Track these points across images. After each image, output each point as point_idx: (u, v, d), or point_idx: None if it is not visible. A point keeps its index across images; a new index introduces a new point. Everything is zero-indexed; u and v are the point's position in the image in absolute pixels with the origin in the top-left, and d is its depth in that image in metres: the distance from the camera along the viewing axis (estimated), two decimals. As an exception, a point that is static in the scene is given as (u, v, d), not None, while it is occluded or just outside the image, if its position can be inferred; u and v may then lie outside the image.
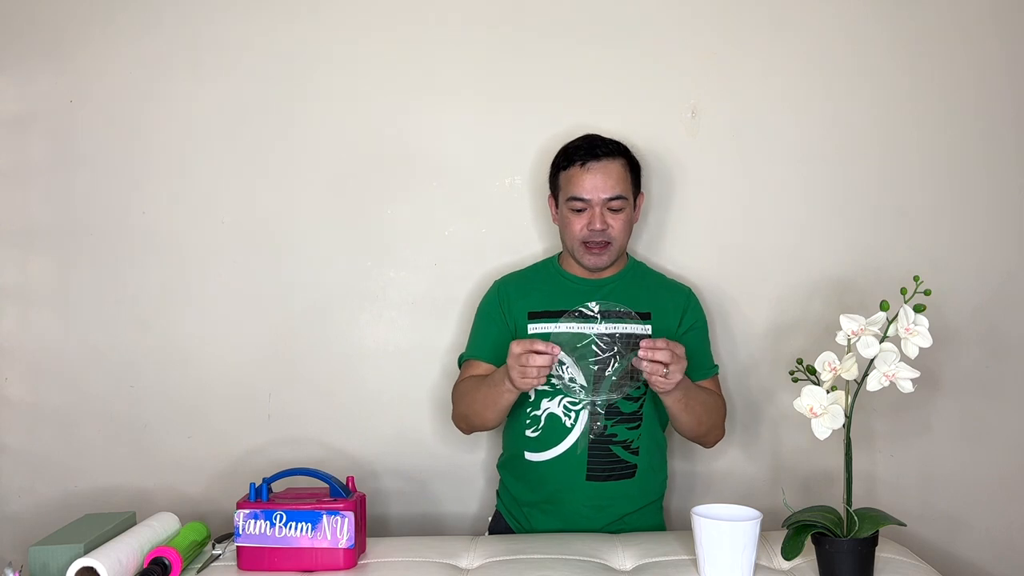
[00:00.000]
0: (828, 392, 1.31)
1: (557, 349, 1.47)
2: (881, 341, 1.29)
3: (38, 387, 1.98)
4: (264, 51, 1.95)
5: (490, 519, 1.83)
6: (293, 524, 1.40)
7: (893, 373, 1.28)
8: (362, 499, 1.47)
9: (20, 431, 1.98)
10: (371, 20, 1.95)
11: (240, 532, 1.41)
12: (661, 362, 1.46)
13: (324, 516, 1.40)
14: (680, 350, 1.49)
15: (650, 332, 1.68)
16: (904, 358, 1.29)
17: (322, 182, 1.96)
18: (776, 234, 1.94)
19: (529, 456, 1.69)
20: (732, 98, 1.94)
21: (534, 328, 1.70)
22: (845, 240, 1.94)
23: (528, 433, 1.68)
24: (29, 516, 1.97)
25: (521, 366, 1.47)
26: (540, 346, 1.46)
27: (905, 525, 1.32)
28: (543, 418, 1.67)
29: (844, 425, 1.31)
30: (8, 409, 1.98)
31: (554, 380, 1.62)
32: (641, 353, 1.46)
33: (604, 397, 1.61)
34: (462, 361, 1.79)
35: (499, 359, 1.67)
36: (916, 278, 1.33)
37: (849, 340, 1.31)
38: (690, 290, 1.81)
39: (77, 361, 1.97)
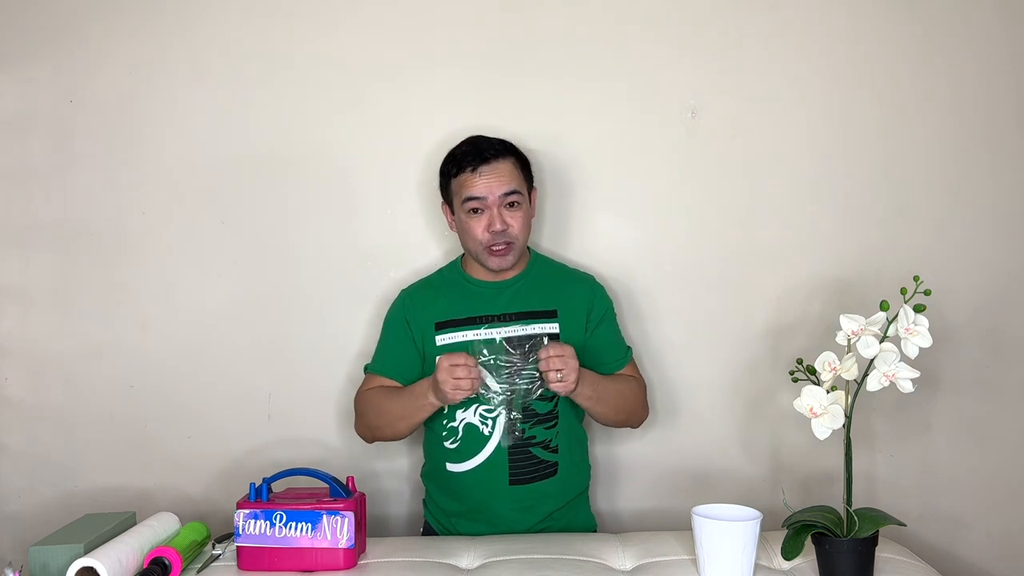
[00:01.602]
0: (828, 392, 1.31)
1: (474, 361, 1.54)
2: (881, 341, 1.29)
3: (38, 387, 1.98)
4: (265, 50, 1.95)
5: (421, 530, 1.84)
6: (293, 524, 1.40)
7: (893, 373, 1.29)
8: (362, 499, 1.47)
9: (20, 431, 1.98)
10: (374, 22, 1.95)
11: (240, 532, 1.41)
12: (555, 369, 1.52)
13: (324, 516, 1.40)
14: (569, 351, 1.54)
15: (557, 330, 1.69)
16: (904, 358, 1.29)
17: (322, 182, 1.96)
18: (776, 234, 1.94)
19: (451, 467, 1.69)
20: (732, 98, 1.94)
21: (442, 339, 1.70)
22: (845, 240, 1.94)
23: (447, 445, 1.69)
24: (29, 516, 1.97)
25: (455, 379, 1.51)
26: (460, 360, 1.52)
27: (905, 525, 1.33)
28: (460, 429, 1.67)
29: (844, 425, 1.31)
30: (8, 409, 1.98)
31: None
32: (541, 364, 1.54)
33: (520, 400, 1.62)
34: (367, 371, 1.78)
35: (403, 376, 1.71)
36: (916, 278, 1.33)
37: (849, 340, 1.31)
38: (593, 278, 1.81)
39: (77, 361, 1.97)
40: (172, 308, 1.97)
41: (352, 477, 1.49)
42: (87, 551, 1.34)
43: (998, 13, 1.92)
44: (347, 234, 1.97)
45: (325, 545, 1.40)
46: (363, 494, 1.49)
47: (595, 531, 1.77)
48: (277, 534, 1.40)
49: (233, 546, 1.47)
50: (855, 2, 1.93)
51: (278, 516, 1.40)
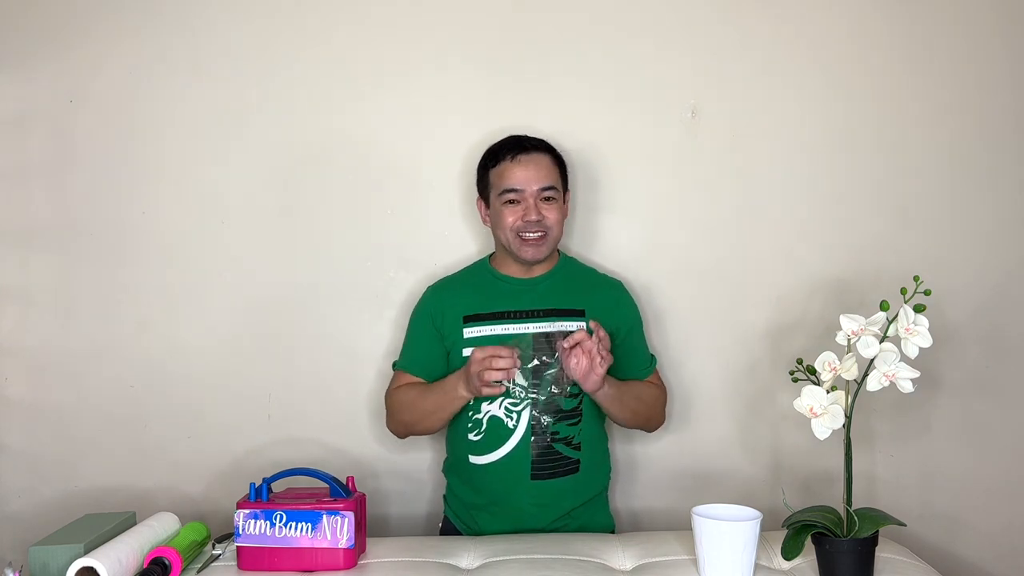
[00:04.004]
0: (828, 392, 1.31)
1: (517, 352, 1.53)
2: (881, 341, 1.29)
3: (38, 387, 1.98)
4: (266, 51, 1.95)
5: (440, 524, 1.84)
6: (293, 524, 1.40)
7: (893, 373, 1.29)
8: (362, 499, 1.47)
9: (20, 431, 1.98)
10: (375, 22, 1.95)
11: (240, 532, 1.41)
12: (590, 353, 1.52)
13: (324, 516, 1.40)
14: (602, 332, 1.54)
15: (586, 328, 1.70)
16: (904, 358, 1.29)
17: (322, 182, 1.96)
18: (776, 234, 1.94)
19: (473, 459, 1.70)
20: (732, 98, 1.94)
21: (470, 332, 1.70)
22: (845, 240, 1.94)
23: (471, 437, 1.69)
24: (29, 516, 1.97)
25: (493, 368, 1.51)
26: (503, 351, 1.52)
27: (905, 525, 1.33)
28: (485, 421, 1.68)
29: (844, 425, 1.31)
30: (8, 409, 1.98)
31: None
32: (567, 344, 1.53)
33: (545, 396, 1.65)
34: (396, 368, 1.79)
35: (429, 373, 1.73)
36: (916, 278, 1.33)
37: (849, 340, 1.31)
38: (621, 284, 1.82)
39: (77, 361, 1.97)
40: (172, 308, 1.97)
41: (352, 477, 1.49)
42: (87, 551, 1.34)
43: (996, 15, 1.92)
44: (347, 233, 1.97)
45: (325, 545, 1.40)
46: (363, 494, 1.49)
47: (613, 531, 1.77)
48: (277, 534, 1.40)
49: (233, 546, 1.47)
50: (855, 3, 1.93)
51: (278, 516, 1.40)
